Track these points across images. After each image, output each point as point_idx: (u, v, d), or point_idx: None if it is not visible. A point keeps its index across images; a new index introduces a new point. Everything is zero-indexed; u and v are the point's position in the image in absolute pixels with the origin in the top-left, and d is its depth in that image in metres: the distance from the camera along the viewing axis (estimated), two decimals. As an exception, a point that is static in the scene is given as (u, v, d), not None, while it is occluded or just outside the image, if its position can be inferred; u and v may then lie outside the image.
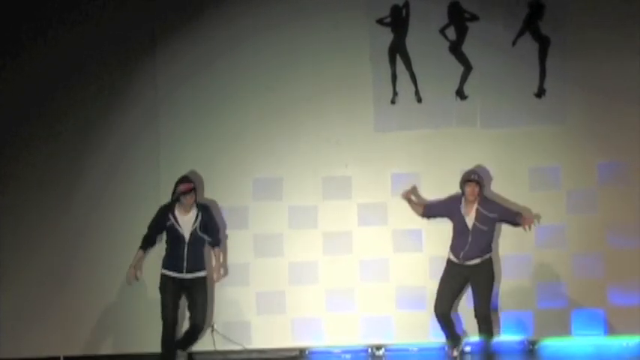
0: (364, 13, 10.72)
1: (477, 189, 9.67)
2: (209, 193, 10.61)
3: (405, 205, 10.49)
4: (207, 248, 10.06)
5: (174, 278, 9.74)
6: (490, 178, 10.53)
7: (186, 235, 9.74)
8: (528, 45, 10.61)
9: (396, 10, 10.71)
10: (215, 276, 10.02)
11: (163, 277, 9.78)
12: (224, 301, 10.59)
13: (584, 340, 10.44)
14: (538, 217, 10.12)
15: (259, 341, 10.63)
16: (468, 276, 9.75)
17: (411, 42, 10.70)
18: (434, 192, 10.49)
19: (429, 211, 10.03)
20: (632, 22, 10.53)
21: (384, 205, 10.69)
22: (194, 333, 9.89)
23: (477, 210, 9.67)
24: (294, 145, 10.75)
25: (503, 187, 10.51)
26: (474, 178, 9.70)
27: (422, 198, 10.41)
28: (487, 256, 9.76)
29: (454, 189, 10.40)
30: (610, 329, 10.42)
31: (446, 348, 10.13)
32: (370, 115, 10.73)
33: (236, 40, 10.75)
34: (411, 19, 10.70)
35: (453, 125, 10.69)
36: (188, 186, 9.72)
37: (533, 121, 10.61)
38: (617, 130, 10.54)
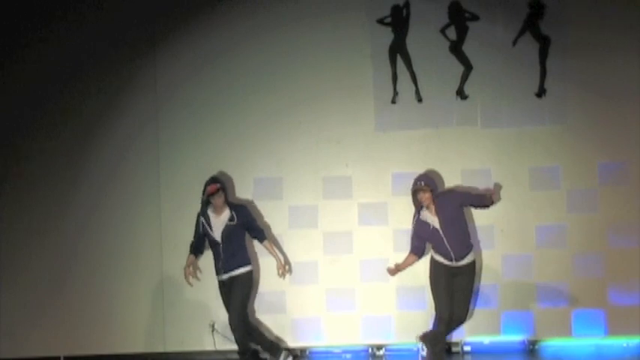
0: (365, 13, 10.72)
1: (426, 195, 9.50)
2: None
3: (406, 204, 10.49)
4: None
5: (221, 282, 9.82)
6: (490, 178, 10.53)
7: (217, 237, 9.72)
8: (529, 45, 10.60)
9: (396, 10, 10.70)
10: (279, 272, 9.94)
11: (218, 282, 9.87)
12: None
13: (584, 340, 10.43)
14: (499, 186, 10.13)
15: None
16: (455, 276, 9.62)
17: (412, 42, 10.69)
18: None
19: (418, 247, 9.72)
20: (633, 22, 10.51)
21: (384, 205, 10.69)
22: (231, 331, 9.80)
23: (436, 210, 9.53)
24: (294, 144, 10.75)
25: (504, 187, 10.47)
26: (420, 186, 9.52)
27: (401, 262, 9.92)
28: (472, 255, 9.63)
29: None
30: (610, 329, 10.41)
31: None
32: (371, 115, 10.73)
33: (236, 40, 10.75)
34: (412, 18, 10.69)
35: (454, 125, 10.69)
36: (214, 187, 9.69)
37: (534, 121, 10.60)
38: (618, 130, 10.53)
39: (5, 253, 10.72)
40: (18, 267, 10.72)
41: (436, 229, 9.55)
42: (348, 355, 10.64)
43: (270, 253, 9.99)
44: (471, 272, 9.69)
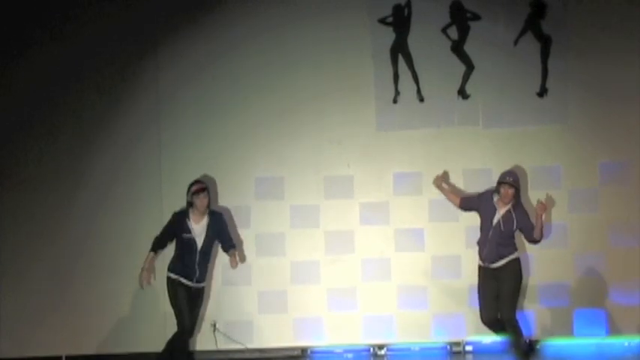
0: (366, 12, 10.72)
1: (510, 191, 9.28)
2: (211, 193, 10.57)
3: (407, 204, 10.55)
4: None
5: (185, 285, 9.52)
6: (491, 178, 10.47)
7: (199, 244, 9.54)
8: (530, 44, 10.61)
9: (398, 10, 10.70)
10: (233, 264, 9.60)
11: (174, 282, 9.50)
12: (226, 300, 10.59)
13: (585, 339, 10.44)
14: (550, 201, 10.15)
15: (261, 340, 10.64)
16: (496, 278, 9.40)
17: (413, 41, 10.70)
18: (435, 191, 10.45)
19: (465, 203, 9.64)
20: (634, 22, 10.53)
21: (385, 205, 10.69)
22: (188, 335, 9.62)
23: (508, 211, 9.34)
24: (295, 144, 10.75)
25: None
26: (508, 181, 9.33)
27: (452, 185, 10.19)
28: (512, 256, 9.40)
29: (457, 189, 10.46)
30: (612, 329, 10.42)
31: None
32: (372, 115, 10.73)
33: (237, 41, 10.75)
34: (413, 18, 10.70)
35: (455, 124, 10.69)
36: (200, 185, 9.55)
37: (535, 121, 10.61)
38: (619, 130, 10.54)
39: (7, 253, 10.71)
40: (20, 267, 10.72)
41: (491, 223, 9.33)
42: (350, 355, 10.65)
43: (232, 258, 9.60)
44: (509, 270, 9.34)
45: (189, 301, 9.49)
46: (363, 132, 10.73)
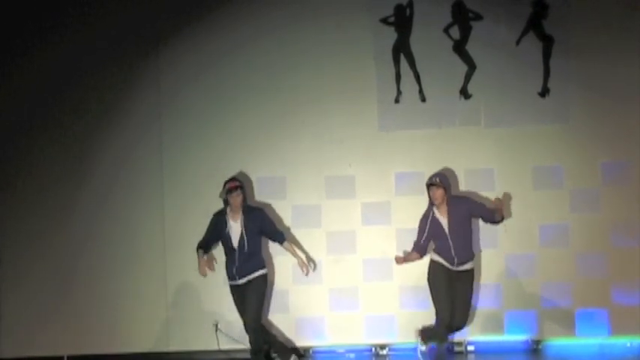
0: (368, 12, 10.72)
1: (439, 192, 9.51)
2: (211, 193, 10.58)
3: (409, 204, 10.53)
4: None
5: (234, 286, 9.72)
6: (493, 178, 10.56)
7: (235, 243, 9.66)
8: (532, 44, 10.61)
9: (399, 10, 10.71)
10: (303, 270, 9.83)
11: (230, 287, 9.78)
12: (227, 300, 10.53)
13: (587, 339, 10.44)
14: (506, 198, 10.13)
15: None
16: (455, 281, 9.60)
17: (415, 41, 10.70)
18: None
19: (420, 247, 9.69)
20: (636, 22, 10.53)
21: (387, 205, 10.70)
22: (247, 332, 9.73)
23: (448, 211, 9.55)
24: (297, 144, 10.75)
25: (507, 187, 10.51)
26: (435, 182, 9.54)
27: (406, 252, 9.95)
28: (472, 264, 9.66)
29: (457, 188, 10.44)
30: (614, 329, 10.42)
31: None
32: (374, 115, 10.73)
33: (239, 41, 10.75)
34: (415, 18, 10.70)
35: (457, 124, 10.69)
36: (234, 183, 9.67)
37: (537, 121, 10.61)
38: (621, 130, 10.54)
39: (9, 253, 10.71)
40: (22, 267, 10.72)
41: (443, 230, 9.55)
42: (352, 355, 10.65)
43: (292, 253, 9.89)
44: (470, 279, 9.68)
45: (240, 299, 9.69)
46: (365, 132, 10.73)
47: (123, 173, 10.80)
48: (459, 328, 9.74)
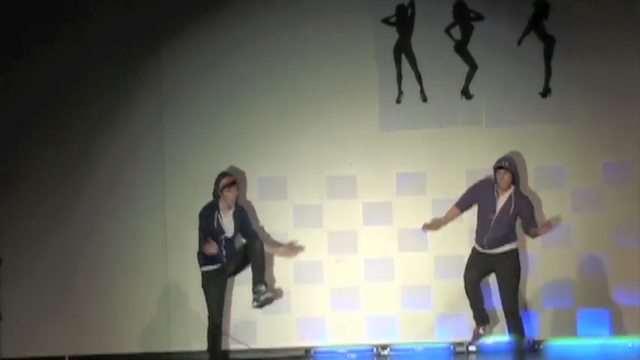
0: (369, 12, 10.71)
1: (506, 176, 9.64)
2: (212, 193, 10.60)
3: (410, 204, 10.55)
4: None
5: (216, 270, 9.78)
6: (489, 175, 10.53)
7: (229, 235, 9.78)
8: (534, 44, 10.60)
9: (401, 10, 10.71)
10: (291, 253, 10.09)
11: (205, 273, 9.80)
12: (228, 300, 10.58)
13: (589, 340, 10.42)
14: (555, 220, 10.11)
15: (264, 341, 10.63)
16: (493, 267, 9.67)
17: (417, 41, 10.69)
18: (439, 191, 10.51)
19: (464, 204, 9.93)
20: (637, 22, 10.52)
21: (388, 205, 10.69)
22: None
23: (510, 197, 9.65)
24: (299, 144, 10.75)
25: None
26: (504, 165, 9.67)
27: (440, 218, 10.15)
28: (512, 245, 9.69)
29: (459, 188, 10.42)
30: (615, 329, 10.41)
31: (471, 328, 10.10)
32: (375, 115, 10.73)
33: (240, 41, 10.75)
34: (417, 18, 10.69)
35: (458, 124, 10.69)
36: (230, 179, 9.77)
37: (539, 121, 10.60)
38: (623, 130, 10.53)
39: (10, 253, 10.70)
40: (23, 267, 10.71)
41: (494, 210, 9.60)
42: (353, 355, 10.64)
43: (274, 247, 10.02)
44: (509, 261, 9.66)
45: (219, 291, 9.79)
46: (366, 132, 10.72)
47: (124, 173, 10.80)
48: (511, 313, 9.67)
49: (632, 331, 10.38)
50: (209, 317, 9.85)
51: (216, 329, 9.85)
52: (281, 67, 10.77)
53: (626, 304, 10.40)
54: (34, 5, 10.86)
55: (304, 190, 10.74)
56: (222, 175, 9.90)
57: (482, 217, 9.78)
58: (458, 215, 10.03)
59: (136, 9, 10.82)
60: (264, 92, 10.78)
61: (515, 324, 9.72)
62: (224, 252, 9.77)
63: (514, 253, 9.74)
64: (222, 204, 9.79)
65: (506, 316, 9.77)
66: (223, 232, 9.78)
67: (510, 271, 9.70)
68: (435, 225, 10.00)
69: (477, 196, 9.84)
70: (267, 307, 10.35)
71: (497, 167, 9.72)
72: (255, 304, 9.81)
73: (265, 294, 9.76)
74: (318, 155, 10.75)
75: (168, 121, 10.83)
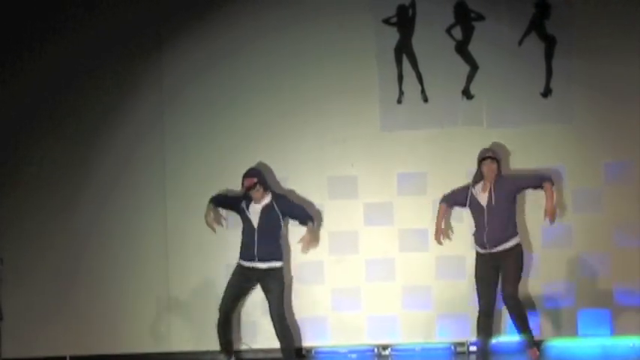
0: (370, 12, 10.71)
1: (493, 166, 9.63)
2: (213, 192, 10.59)
3: (411, 204, 10.55)
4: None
5: (246, 267, 9.71)
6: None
7: (255, 224, 9.70)
8: (534, 45, 10.59)
9: (402, 10, 10.70)
10: (302, 245, 9.84)
11: (236, 266, 9.80)
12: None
13: (590, 340, 10.43)
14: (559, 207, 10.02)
15: (265, 341, 10.60)
16: (498, 265, 9.61)
17: (418, 42, 10.69)
18: (440, 191, 10.48)
19: (450, 201, 9.96)
20: (639, 22, 10.51)
21: (389, 205, 10.69)
22: (273, 325, 9.79)
23: (490, 191, 9.61)
24: (299, 144, 10.75)
25: (510, 187, 10.51)
26: (489, 155, 9.67)
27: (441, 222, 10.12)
28: (515, 240, 9.61)
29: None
30: (616, 329, 10.41)
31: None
32: (376, 115, 10.73)
33: (242, 40, 10.75)
34: (418, 18, 10.69)
35: (459, 125, 10.69)
36: (251, 181, 9.73)
37: (540, 121, 10.60)
38: (624, 130, 10.52)
39: (12, 253, 10.67)
40: (24, 267, 10.71)
41: (482, 210, 9.58)
42: (354, 355, 10.65)
43: (308, 230, 9.84)
44: (514, 253, 9.58)
45: (239, 284, 9.73)
46: (367, 132, 10.72)
47: (125, 173, 10.80)
48: (509, 297, 9.54)
49: (633, 331, 10.38)
50: (219, 309, 9.79)
51: (223, 324, 9.79)
52: (282, 67, 10.77)
53: (626, 304, 10.40)
54: (34, 5, 10.85)
55: (305, 190, 10.73)
56: (245, 174, 9.84)
57: (475, 220, 9.74)
58: (448, 210, 10.05)
59: (137, 8, 10.82)
60: (265, 92, 10.78)
61: (518, 312, 9.59)
62: (255, 251, 9.66)
63: (518, 247, 9.65)
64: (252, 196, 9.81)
65: (507, 306, 9.64)
66: (249, 219, 9.72)
67: (514, 261, 9.58)
68: (439, 232, 9.93)
69: (464, 201, 9.79)
70: (267, 308, 10.35)
71: (483, 158, 9.70)
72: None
73: None
74: (319, 155, 10.76)
75: (169, 121, 10.83)
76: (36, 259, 10.74)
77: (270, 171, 10.60)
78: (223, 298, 9.80)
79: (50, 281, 10.73)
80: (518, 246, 9.69)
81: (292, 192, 10.60)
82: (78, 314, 10.71)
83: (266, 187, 9.84)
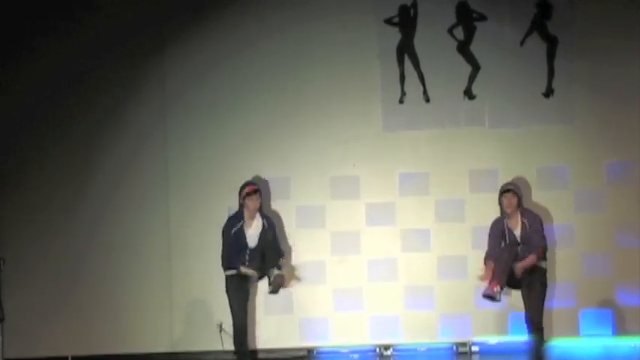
0: (372, 13, 10.72)
1: (513, 200, 9.46)
2: (216, 193, 10.61)
3: (413, 204, 10.55)
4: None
5: (239, 275, 9.69)
6: (498, 178, 10.48)
7: (251, 245, 9.72)
8: (536, 45, 10.60)
9: (404, 10, 10.71)
10: (273, 287, 9.74)
11: (228, 278, 9.70)
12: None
13: (592, 340, 10.42)
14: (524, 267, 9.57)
15: (267, 341, 10.62)
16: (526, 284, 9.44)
17: (419, 42, 10.70)
18: (442, 192, 10.51)
19: (494, 253, 9.51)
20: (640, 22, 10.55)
21: (391, 205, 10.69)
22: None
23: (522, 223, 9.45)
24: (302, 145, 10.75)
25: (511, 187, 10.51)
26: (510, 188, 9.52)
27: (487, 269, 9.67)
28: (542, 263, 9.45)
29: (462, 189, 10.46)
30: (618, 329, 10.40)
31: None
32: (378, 115, 10.73)
33: (244, 41, 10.76)
34: (419, 18, 10.70)
35: (461, 125, 10.69)
36: (252, 187, 9.77)
37: (542, 121, 10.60)
38: (626, 130, 10.52)
39: (14, 253, 10.68)
40: (26, 267, 10.71)
41: (516, 239, 9.44)
42: (356, 355, 10.64)
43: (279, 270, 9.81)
44: (536, 280, 9.40)
45: (240, 289, 9.69)
46: (369, 132, 10.73)
47: (128, 174, 10.81)
48: (532, 322, 9.40)
49: (635, 331, 10.37)
50: (233, 322, 9.72)
51: (241, 334, 9.74)
52: (284, 68, 10.78)
53: (629, 304, 10.38)
54: (36, 6, 10.87)
55: (307, 190, 10.74)
56: (245, 184, 9.88)
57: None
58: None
59: (139, 9, 10.83)
60: (268, 93, 10.78)
61: (538, 335, 9.45)
62: (247, 262, 9.68)
63: (542, 271, 9.47)
64: (246, 213, 9.76)
65: (530, 327, 9.48)
66: (247, 245, 9.72)
67: (538, 284, 9.40)
68: (488, 277, 9.41)
69: (497, 234, 9.54)
70: (269, 308, 10.39)
71: (504, 191, 9.54)
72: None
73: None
74: (321, 156, 10.76)
75: (171, 122, 10.84)
76: (38, 259, 10.74)
77: (267, 186, 10.61)
78: (236, 312, 9.69)
79: (52, 281, 10.73)
80: (542, 269, 9.48)
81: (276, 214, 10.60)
82: (80, 314, 10.71)
83: (262, 203, 9.87)
